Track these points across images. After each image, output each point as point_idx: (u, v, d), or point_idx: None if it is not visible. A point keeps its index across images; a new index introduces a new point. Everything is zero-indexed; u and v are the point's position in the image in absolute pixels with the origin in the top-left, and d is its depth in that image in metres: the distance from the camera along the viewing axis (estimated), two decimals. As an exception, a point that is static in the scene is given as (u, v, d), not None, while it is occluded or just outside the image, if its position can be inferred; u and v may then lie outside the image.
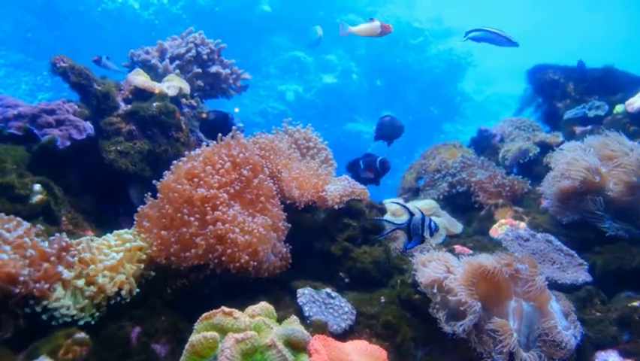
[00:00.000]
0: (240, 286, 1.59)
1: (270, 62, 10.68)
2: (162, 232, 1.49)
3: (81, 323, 1.27)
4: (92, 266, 1.34)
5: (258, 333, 1.14)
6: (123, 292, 1.37)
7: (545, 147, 2.83)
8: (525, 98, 3.45)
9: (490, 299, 1.48)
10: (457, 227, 2.45)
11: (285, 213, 1.74)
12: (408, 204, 2.19)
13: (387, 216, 2.16)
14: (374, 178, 2.22)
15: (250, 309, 1.25)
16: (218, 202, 1.51)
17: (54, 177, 1.75)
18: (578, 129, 2.87)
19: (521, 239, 2.09)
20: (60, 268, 1.27)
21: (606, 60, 3.11)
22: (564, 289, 1.78)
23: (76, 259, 1.34)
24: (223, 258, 1.47)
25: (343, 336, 1.44)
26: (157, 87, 2.13)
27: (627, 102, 2.68)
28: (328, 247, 1.82)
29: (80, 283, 1.30)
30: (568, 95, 3.11)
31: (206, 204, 1.50)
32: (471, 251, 1.95)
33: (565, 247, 2.02)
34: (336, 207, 1.85)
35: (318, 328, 1.39)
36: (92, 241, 1.47)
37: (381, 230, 1.92)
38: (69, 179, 1.89)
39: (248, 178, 1.63)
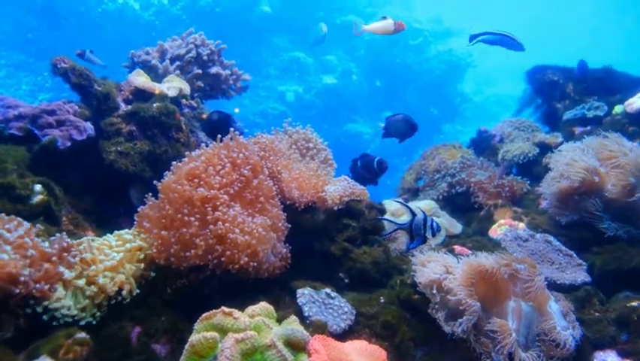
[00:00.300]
0: (239, 287, 1.60)
1: (269, 62, 10.69)
2: (162, 233, 1.50)
3: (82, 323, 1.28)
4: (93, 267, 1.35)
5: (257, 333, 1.14)
6: (124, 293, 1.37)
7: (544, 148, 2.84)
8: (524, 98, 3.46)
9: (489, 299, 1.49)
10: (457, 227, 2.45)
11: (285, 214, 1.75)
12: (409, 204, 2.19)
13: (387, 217, 2.16)
14: (372, 178, 2.23)
15: (250, 309, 1.25)
16: (218, 203, 1.52)
17: (55, 177, 1.76)
18: (578, 130, 2.87)
19: (520, 239, 2.10)
20: (61, 269, 1.27)
21: (605, 61, 3.12)
22: (563, 289, 1.79)
23: (77, 259, 1.34)
24: (222, 259, 1.47)
25: (343, 336, 1.44)
26: (157, 88, 2.14)
27: (626, 103, 2.69)
28: (328, 247, 1.83)
29: (81, 282, 1.30)
30: (567, 95, 3.12)
31: (207, 205, 1.51)
32: (470, 252, 1.96)
33: (564, 248, 2.03)
34: (335, 207, 1.85)
35: (317, 328, 1.40)
36: (92, 241, 1.48)
37: (380, 230, 1.92)
38: (69, 179, 1.89)
39: (248, 178, 1.63)
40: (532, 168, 2.83)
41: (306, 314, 1.48)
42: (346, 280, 1.78)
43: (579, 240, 2.08)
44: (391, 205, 2.31)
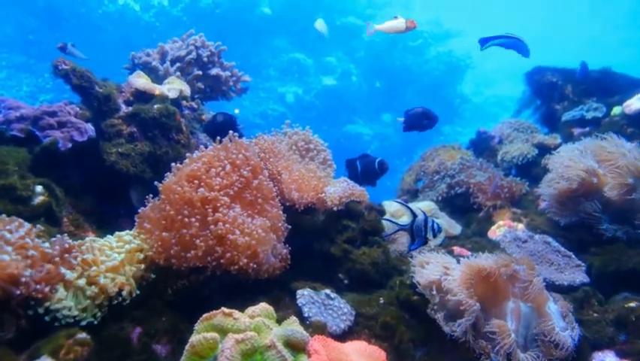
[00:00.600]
0: (239, 287, 1.61)
1: (269, 64, 10.70)
2: (163, 234, 1.51)
3: (83, 323, 1.28)
4: (94, 267, 1.36)
5: (257, 334, 1.15)
6: (124, 293, 1.38)
7: (543, 149, 2.84)
8: (523, 100, 3.47)
9: (488, 300, 1.49)
10: (456, 228, 2.46)
11: (285, 215, 1.75)
12: (409, 205, 2.20)
13: (387, 217, 2.17)
14: (371, 179, 2.24)
15: (250, 310, 1.26)
16: (219, 204, 1.52)
17: (55, 178, 1.76)
18: (576, 131, 2.88)
19: (519, 240, 2.10)
20: (63, 270, 1.28)
21: (604, 62, 3.13)
22: (562, 290, 1.80)
23: (78, 260, 1.35)
24: (222, 261, 1.48)
25: (342, 337, 1.45)
26: (158, 89, 2.15)
27: (625, 104, 2.70)
28: (328, 248, 1.83)
29: (82, 282, 1.31)
30: (566, 97, 3.13)
31: (207, 206, 1.51)
32: (469, 252, 1.96)
33: (562, 249, 2.04)
34: (335, 208, 1.86)
35: (317, 328, 1.41)
36: (94, 242, 1.49)
37: (380, 231, 1.93)
38: (70, 180, 1.90)
39: (248, 179, 1.64)
40: (531, 169, 2.83)
41: (306, 315, 1.48)
42: (346, 281, 1.78)
43: (578, 241, 2.09)
44: (391, 206, 2.32)
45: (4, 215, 1.32)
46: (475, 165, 2.80)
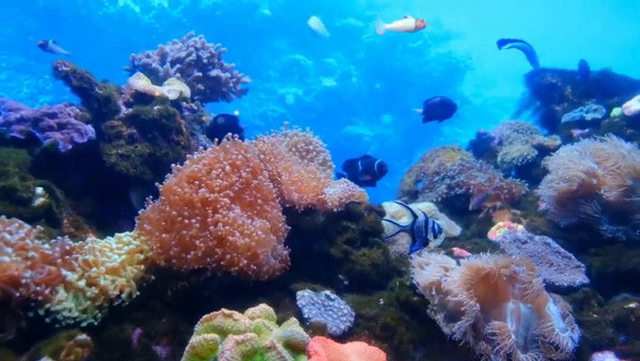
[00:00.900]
0: (239, 289, 1.61)
1: (269, 65, 10.71)
2: (163, 235, 1.51)
3: (83, 324, 1.28)
4: (95, 268, 1.36)
5: (257, 335, 1.15)
6: (124, 295, 1.38)
7: (543, 150, 2.85)
8: (523, 101, 3.47)
9: (488, 301, 1.50)
10: (456, 229, 2.46)
11: (285, 216, 1.76)
12: (409, 206, 2.20)
13: (387, 218, 2.17)
14: (371, 180, 2.25)
15: (250, 311, 1.26)
16: (219, 205, 1.53)
17: (56, 180, 1.77)
18: (576, 132, 2.89)
19: (519, 241, 2.10)
20: (64, 272, 1.28)
21: (604, 64, 3.14)
22: (561, 291, 1.80)
23: (79, 261, 1.35)
24: (222, 262, 1.48)
25: (342, 338, 1.45)
26: (158, 91, 2.15)
27: (624, 105, 2.70)
28: (327, 249, 1.83)
29: (82, 283, 1.31)
30: (566, 98, 3.13)
31: (207, 207, 1.52)
32: (469, 254, 1.97)
33: (562, 250, 2.04)
34: (335, 210, 1.86)
35: (317, 329, 1.41)
36: (95, 243, 1.49)
37: (380, 232, 1.93)
38: (70, 182, 1.90)
39: (247, 180, 1.64)
40: (530, 171, 2.84)
41: (306, 316, 1.49)
42: (346, 282, 1.78)
43: (577, 242, 2.09)
44: (391, 207, 2.32)
45: (4, 216, 1.33)
46: (475, 166, 2.80)
